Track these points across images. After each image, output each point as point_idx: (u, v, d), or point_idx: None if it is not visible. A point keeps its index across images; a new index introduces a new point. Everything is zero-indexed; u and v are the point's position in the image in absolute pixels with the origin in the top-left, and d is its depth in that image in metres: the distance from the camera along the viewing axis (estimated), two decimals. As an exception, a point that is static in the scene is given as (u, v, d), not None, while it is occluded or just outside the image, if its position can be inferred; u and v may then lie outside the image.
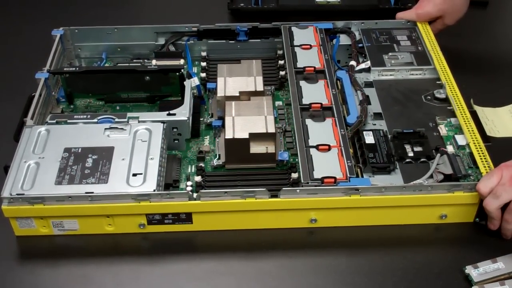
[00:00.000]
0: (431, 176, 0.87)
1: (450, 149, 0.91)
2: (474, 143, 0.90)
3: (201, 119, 1.01)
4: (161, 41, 1.12)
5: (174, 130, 0.93)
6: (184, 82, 0.99)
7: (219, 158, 0.93)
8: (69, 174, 0.84)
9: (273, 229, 0.87)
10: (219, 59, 1.11)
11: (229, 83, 1.00)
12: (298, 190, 0.83)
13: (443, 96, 0.99)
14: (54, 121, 0.93)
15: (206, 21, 1.13)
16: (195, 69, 1.11)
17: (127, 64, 1.10)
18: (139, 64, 1.10)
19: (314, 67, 1.02)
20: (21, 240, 0.86)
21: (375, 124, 0.95)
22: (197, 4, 1.36)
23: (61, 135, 0.90)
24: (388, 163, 0.88)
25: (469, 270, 0.80)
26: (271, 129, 0.91)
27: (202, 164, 0.92)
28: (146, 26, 1.12)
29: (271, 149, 0.91)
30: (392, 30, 1.13)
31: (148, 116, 0.93)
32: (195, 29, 1.12)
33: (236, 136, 0.90)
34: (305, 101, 0.96)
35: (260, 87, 1.00)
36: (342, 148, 0.89)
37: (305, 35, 1.10)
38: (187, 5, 1.37)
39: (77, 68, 1.01)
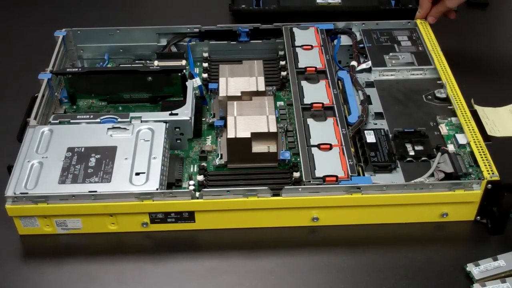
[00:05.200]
0: (432, 175, 0.88)
1: (451, 148, 0.91)
2: (475, 142, 0.90)
3: (203, 119, 1.01)
4: (163, 42, 1.13)
5: (177, 130, 0.94)
6: (186, 83, 1.00)
7: (221, 158, 0.94)
8: (72, 173, 0.85)
9: (275, 227, 0.87)
10: (220, 59, 1.12)
11: (231, 83, 1.01)
12: (300, 189, 0.84)
13: (443, 95, 1.00)
14: (57, 121, 0.93)
15: (208, 22, 1.13)
16: (197, 70, 1.12)
17: (130, 65, 1.11)
18: (141, 65, 1.10)
19: (315, 67, 1.03)
20: (25, 239, 0.86)
21: (376, 124, 0.96)
22: (199, 5, 1.37)
23: (64, 135, 0.90)
24: (389, 162, 0.89)
25: (470, 268, 0.80)
26: (273, 129, 0.91)
27: (204, 164, 0.93)
28: (148, 27, 1.12)
29: (273, 148, 0.91)
30: (392, 30, 1.14)
31: (150, 116, 0.93)
32: (197, 30, 1.12)
33: (238, 136, 0.90)
34: (307, 101, 0.97)
35: (261, 87, 1.00)
36: (344, 147, 0.89)
37: (306, 35, 1.11)
38: (189, 6, 1.37)
39: (80, 69, 1.01)
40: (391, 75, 1.05)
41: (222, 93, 0.99)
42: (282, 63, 1.10)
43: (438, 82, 1.03)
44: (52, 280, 0.82)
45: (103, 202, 0.83)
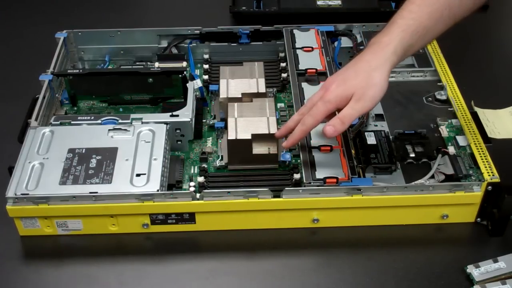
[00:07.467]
0: (432, 176, 0.88)
1: (451, 149, 0.91)
2: (475, 143, 0.90)
3: (204, 120, 1.01)
4: (164, 43, 1.13)
5: (177, 131, 0.94)
6: (187, 84, 1.00)
7: (221, 159, 0.94)
8: (73, 174, 0.85)
9: (275, 229, 0.87)
10: (221, 61, 1.12)
11: (232, 85, 1.01)
12: (300, 190, 0.84)
13: (444, 97, 1.00)
14: (58, 122, 0.93)
15: (209, 24, 1.13)
16: (197, 72, 1.12)
17: (130, 67, 1.11)
18: (142, 66, 1.10)
19: (316, 69, 1.03)
20: (25, 240, 0.86)
21: (376, 125, 0.96)
22: (200, 7, 1.37)
23: (65, 136, 0.90)
24: (390, 163, 0.89)
25: (471, 269, 0.80)
26: (274, 130, 0.91)
27: (205, 165, 0.93)
28: (149, 29, 1.13)
29: (273, 150, 0.91)
30: (393, 32, 1.13)
31: (151, 117, 0.94)
32: (198, 32, 1.12)
33: (239, 137, 0.90)
34: (307, 102, 0.97)
35: (262, 89, 1.00)
36: (344, 148, 0.89)
37: (306, 37, 1.11)
38: (190, 8, 1.38)
39: (81, 70, 1.02)
40: (392, 77, 1.05)
41: (222, 94, 1.00)
42: (283, 65, 1.10)
43: (439, 84, 1.03)
44: (52, 281, 0.82)
45: (104, 203, 0.83)
